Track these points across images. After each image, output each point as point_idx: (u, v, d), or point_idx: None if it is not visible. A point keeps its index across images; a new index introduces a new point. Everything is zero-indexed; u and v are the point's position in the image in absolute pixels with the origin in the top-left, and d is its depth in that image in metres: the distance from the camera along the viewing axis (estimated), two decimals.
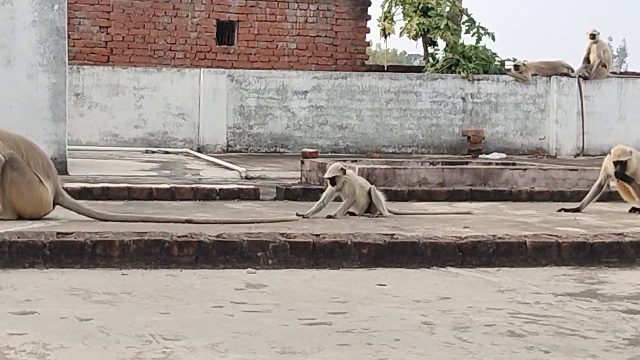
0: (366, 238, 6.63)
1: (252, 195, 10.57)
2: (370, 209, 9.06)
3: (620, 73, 25.50)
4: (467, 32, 22.06)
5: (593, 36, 20.90)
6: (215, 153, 18.67)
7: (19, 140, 8.12)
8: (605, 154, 15.63)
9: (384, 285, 5.84)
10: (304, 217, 8.61)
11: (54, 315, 4.76)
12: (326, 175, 8.94)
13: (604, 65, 20.87)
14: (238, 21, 22.32)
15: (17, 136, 8.18)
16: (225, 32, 22.44)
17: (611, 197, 10.36)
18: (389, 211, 9.11)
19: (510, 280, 6.08)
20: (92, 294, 5.29)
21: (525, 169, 11.88)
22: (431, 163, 12.96)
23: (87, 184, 10.72)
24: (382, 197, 9.13)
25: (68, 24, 14.10)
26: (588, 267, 6.64)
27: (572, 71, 20.91)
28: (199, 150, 18.88)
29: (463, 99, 20.38)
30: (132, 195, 10.25)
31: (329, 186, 8.94)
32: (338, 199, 9.03)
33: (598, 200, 10.07)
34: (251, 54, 22.32)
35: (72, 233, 6.39)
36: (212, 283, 5.74)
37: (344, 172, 8.97)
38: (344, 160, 12.40)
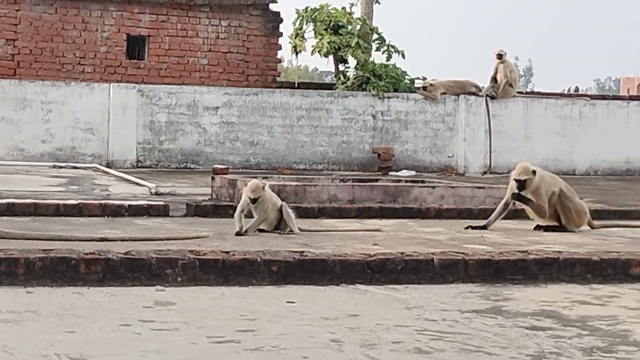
0: (276, 255, 6.64)
1: (162, 211, 10.50)
2: (280, 226, 9.08)
3: (527, 92, 26.00)
4: (378, 50, 22.26)
5: (500, 56, 21.27)
6: (124, 169, 18.49)
7: None
8: (511, 172, 15.86)
9: (293, 302, 5.86)
10: (241, 235, 8.64)
11: None
12: (250, 195, 8.90)
13: (511, 85, 21.25)
14: (149, 36, 22.18)
15: None
16: (135, 46, 22.27)
17: (517, 214, 10.54)
18: (299, 228, 9.14)
19: (418, 297, 6.15)
20: None
21: (434, 187, 12.03)
22: (341, 180, 13.04)
23: None
24: (292, 214, 9.17)
25: None
26: (494, 284, 6.75)
27: (480, 90, 21.25)
28: (108, 166, 18.67)
29: (373, 116, 20.55)
30: (38, 212, 10.09)
31: (247, 202, 8.91)
32: (249, 214, 9.03)
33: (504, 218, 10.24)
34: (162, 69, 22.19)
35: None
36: (120, 301, 5.69)
37: (264, 189, 9.00)
38: (255, 177, 12.39)
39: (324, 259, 6.66)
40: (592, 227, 10.17)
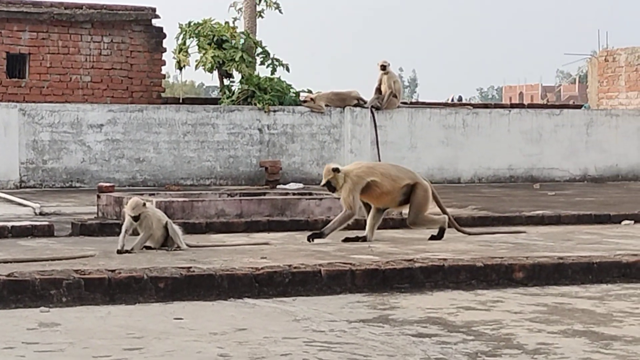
0: (162, 272, 6.61)
1: (47, 232, 10.33)
2: (167, 243, 9.03)
3: (411, 103, 26.40)
4: (262, 63, 22.31)
5: (384, 67, 21.53)
6: (7, 189, 18.11)
7: None
8: None
9: (180, 319, 5.83)
10: (123, 253, 8.54)
11: None
12: (130, 213, 8.85)
13: (395, 96, 21.53)
14: (29, 54, 21.81)
15: None
16: (15, 64, 21.87)
17: (404, 223, 10.68)
18: (187, 244, 9.11)
19: (305, 309, 6.19)
20: None
21: (321, 199, 12.10)
22: (229, 195, 13.02)
23: None
24: (179, 230, 9.14)
25: None
26: (381, 294, 6.83)
27: (364, 102, 21.47)
28: None
29: (260, 130, 20.58)
30: None
31: (130, 221, 8.87)
32: (135, 232, 8.97)
33: (392, 227, 10.37)
34: (44, 87, 21.84)
35: None
36: (3, 324, 5.59)
37: (145, 206, 8.95)
38: (142, 194, 12.29)
39: (211, 274, 6.65)
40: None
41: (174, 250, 8.92)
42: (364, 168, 10.10)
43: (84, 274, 6.44)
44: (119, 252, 8.64)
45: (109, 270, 6.61)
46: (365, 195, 9.89)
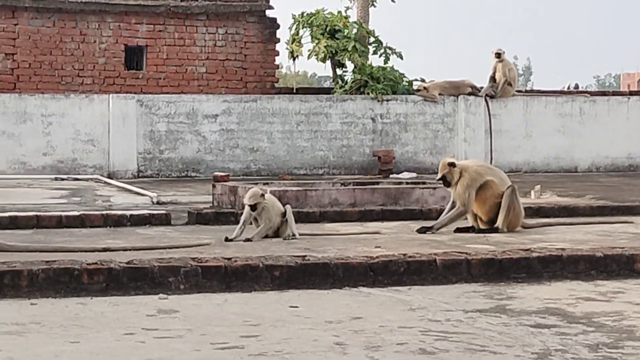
0: (278, 260, 6.64)
1: (164, 220, 10.50)
2: (279, 231, 9.07)
3: (526, 91, 25.99)
4: (375, 53, 22.26)
5: (498, 55, 21.27)
6: (126, 179, 18.49)
7: None
8: (513, 171, 16.03)
9: (296, 307, 5.85)
10: (229, 241, 8.62)
11: None
12: (247, 202, 8.94)
13: (510, 84, 21.24)
14: (146, 46, 22.19)
15: None
16: (133, 57, 22.28)
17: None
18: (300, 233, 9.14)
19: (421, 299, 6.15)
20: (0, 325, 5.20)
21: (435, 188, 12.01)
22: (342, 184, 13.03)
23: None
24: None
25: None
26: (497, 283, 6.75)
27: (478, 90, 21.24)
28: (109, 177, 18.67)
29: (373, 119, 20.55)
30: (41, 224, 10.10)
31: (248, 210, 8.95)
32: (253, 223, 9.05)
33: None
34: (160, 78, 22.20)
35: None
36: (123, 310, 5.69)
37: (263, 196, 9.02)
38: (256, 183, 12.40)
39: (326, 262, 6.66)
40: (524, 227, 9.98)
41: (290, 238, 8.95)
42: (483, 166, 9.98)
43: (201, 262, 6.51)
44: (226, 239, 8.68)
45: (225, 259, 6.67)
46: (477, 194, 9.65)
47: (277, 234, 9.08)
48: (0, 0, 21.08)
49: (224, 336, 4.97)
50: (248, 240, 8.74)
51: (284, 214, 9.08)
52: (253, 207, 8.92)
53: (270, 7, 22.82)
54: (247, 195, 9.02)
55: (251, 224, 9.03)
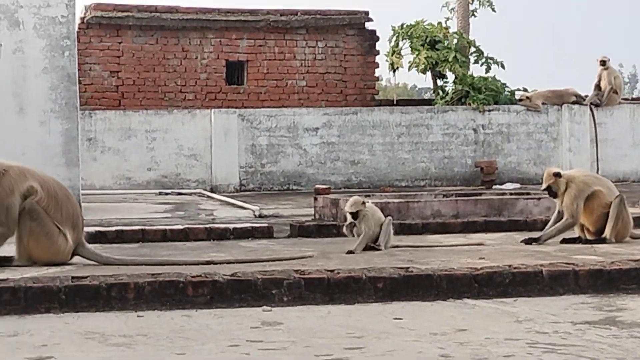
0: (381, 272, 6.60)
1: (266, 233, 10.55)
2: (377, 241, 9.03)
3: (632, 99, 25.48)
4: (476, 62, 22.11)
5: (603, 63, 20.90)
6: (228, 193, 18.68)
7: (58, 189, 8.16)
8: (620, 181, 15.65)
9: (400, 319, 5.80)
10: (352, 253, 8.61)
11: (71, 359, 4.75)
12: (348, 210, 8.93)
13: (615, 92, 20.86)
14: (247, 61, 22.42)
15: (57, 185, 8.23)
16: (234, 72, 22.53)
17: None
18: (402, 245, 9.07)
19: (527, 310, 6.04)
20: (108, 337, 5.28)
21: (539, 198, 11.82)
22: (444, 195, 12.93)
23: (102, 227, 10.72)
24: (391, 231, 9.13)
25: (79, 69, 14.19)
26: (606, 295, 6.59)
27: (582, 98, 20.90)
28: (212, 191, 18.89)
29: (474, 130, 20.38)
30: (146, 238, 10.24)
31: (350, 219, 8.93)
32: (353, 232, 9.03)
33: None
34: (261, 92, 22.40)
35: (87, 277, 6.39)
36: (228, 322, 5.72)
37: (364, 204, 8.99)
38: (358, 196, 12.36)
39: (429, 274, 6.59)
40: (633, 238, 9.66)
41: (376, 248, 8.88)
42: (589, 175, 9.79)
43: (304, 274, 6.51)
44: (351, 252, 8.69)
45: (328, 271, 6.66)
46: (584, 204, 9.45)
47: (376, 242, 9.03)
48: (104, 19, 21.53)
49: (327, 348, 4.95)
50: (350, 252, 8.72)
51: (381, 225, 9.04)
52: (354, 215, 8.90)
53: (370, 20, 22.84)
54: (349, 203, 9.02)
55: (352, 234, 8.99)
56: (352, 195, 12.01)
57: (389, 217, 9.22)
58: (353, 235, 8.98)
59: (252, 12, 22.29)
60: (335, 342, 5.11)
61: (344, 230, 9.06)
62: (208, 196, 17.67)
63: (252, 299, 6.29)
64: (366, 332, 5.39)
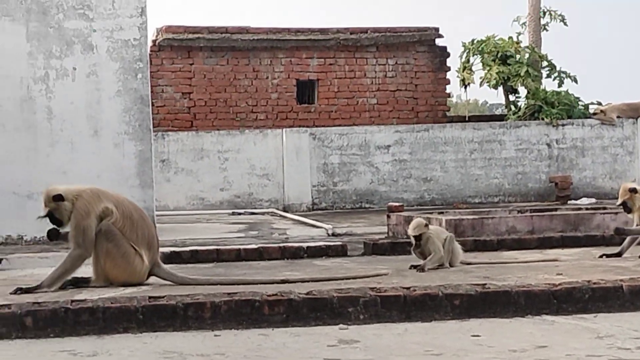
0: (457, 289, 6.54)
1: (340, 251, 10.53)
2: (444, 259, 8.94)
3: None
4: (548, 77, 21.91)
5: None
6: (300, 212, 18.72)
7: (133, 210, 8.23)
8: None
9: (478, 336, 5.74)
10: (423, 271, 8.56)
11: None
12: (411, 233, 8.88)
13: None
14: (318, 80, 22.49)
15: (132, 206, 8.30)
16: (305, 91, 22.62)
17: None
18: (477, 262, 8.98)
19: (608, 326, 5.93)
20: (186, 357, 5.30)
21: (616, 213, 11.63)
22: (519, 211, 12.79)
23: (176, 247, 10.80)
24: (459, 248, 9.04)
25: (151, 92, 14.35)
26: None
27: None
28: (284, 210, 18.94)
29: (548, 145, 20.16)
30: (220, 257, 10.28)
31: (413, 241, 8.90)
32: (420, 253, 8.97)
33: None
34: (332, 111, 22.44)
35: (163, 296, 6.43)
36: (304, 340, 5.71)
37: (427, 226, 8.93)
38: (430, 213, 12.32)
39: (507, 290, 6.51)
40: None
41: (441, 266, 8.82)
42: None
43: (380, 292, 6.47)
44: (412, 266, 8.67)
45: (404, 288, 6.62)
46: None
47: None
48: (176, 42, 21.78)
49: None
50: (422, 270, 8.66)
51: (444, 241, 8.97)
52: (417, 238, 8.85)
53: (440, 36, 22.77)
54: (411, 226, 8.95)
55: (420, 256, 8.93)
56: (425, 212, 11.97)
57: (451, 235, 9.14)
58: (423, 258, 8.92)
59: (322, 30, 22.36)
60: (413, 359, 5.07)
61: (413, 253, 9.00)
62: (281, 215, 17.72)
63: (328, 317, 6.27)
64: (444, 349, 5.34)
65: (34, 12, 12.65)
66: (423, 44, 22.68)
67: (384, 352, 5.30)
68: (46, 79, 12.63)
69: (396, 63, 22.62)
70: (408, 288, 6.60)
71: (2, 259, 10.06)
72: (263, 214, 18.43)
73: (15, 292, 7.68)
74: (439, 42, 22.82)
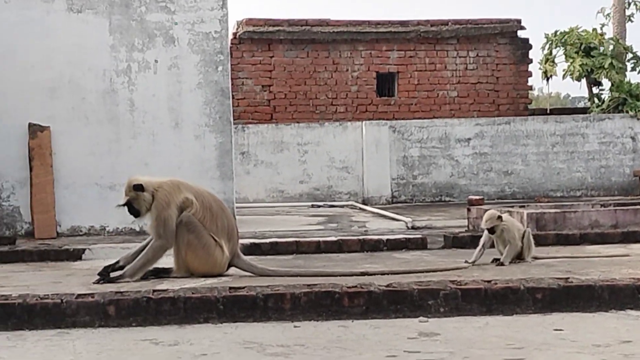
0: (539, 283, 6.45)
1: (420, 244, 10.48)
2: (522, 254, 8.84)
3: None
4: (633, 69, 21.52)
5: None
6: (380, 205, 18.68)
7: (212, 202, 8.29)
8: None
9: (560, 330, 5.65)
10: (472, 264, 8.51)
11: None
12: (485, 226, 8.79)
13: None
14: (398, 72, 22.41)
15: (212, 198, 8.37)
16: (385, 83, 22.55)
17: None
18: (559, 256, 8.86)
19: None
20: (266, 347, 5.31)
21: None
22: (602, 205, 12.59)
23: (256, 239, 10.85)
24: (532, 243, 8.94)
25: (232, 84, 14.44)
26: None
27: None
28: (363, 203, 18.92)
29: (632, 138, 19.81)
30: (300, 249, 10.31)
31: (486, 233, 8.80)
32: (492, 246, 8.87)
33: None
34: (412, 104, 22.35)
35: (244, 287, 6.46)
36: (384, 333, 5.68)
37: (501, 218, 8.83)
38: (512, 206, 12.18)
39: (590, 284, 6.41)
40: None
41: (523, 261, 8.71)
42: None
43: (460, 285, 6.42)
44: (466, 262, 8.57)
45: (485, 281, 6.55)
46: None
47: (520, 256, 8.85)
48: (256, 34, 21.89)
49: (487, 359, 4.85)
50: (500, 264, 8.57)
51: (523, 236, 8.86)
52: (491, 230, 8.75)
53: (522, 28, 22.51)
54: (485, 218, 8.86)
55: (491, 247, 8.84)
56: (506, 206, 11.84)
57: (529, 229, 9.03)
58: (498, 251, 8.83)
59: (402, 23, 22.27)
60: (494, 353, 5.01)
61: (481, 246, 8.86)
62: (360, 208, 17.70)
63: (408, 309, 6.23)
64: (526, 343, 5.27)
65: (117, 5, 12.81)
66: (504, 36, 22.45)
67: (464, 345, 5.26)
68: (128, 71, 12.78)
69: (477, 55, 22.43)
70: (489, 281, 6.53)
71: (85, 250, 10.22)
72: (342, 206, 18.43)
73: (98, 282, 7.80)
74: (520, 34, 22.57)
